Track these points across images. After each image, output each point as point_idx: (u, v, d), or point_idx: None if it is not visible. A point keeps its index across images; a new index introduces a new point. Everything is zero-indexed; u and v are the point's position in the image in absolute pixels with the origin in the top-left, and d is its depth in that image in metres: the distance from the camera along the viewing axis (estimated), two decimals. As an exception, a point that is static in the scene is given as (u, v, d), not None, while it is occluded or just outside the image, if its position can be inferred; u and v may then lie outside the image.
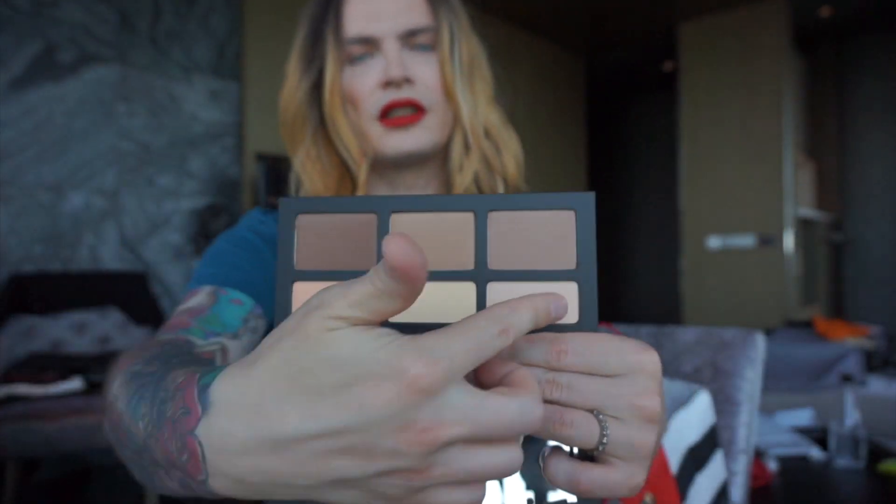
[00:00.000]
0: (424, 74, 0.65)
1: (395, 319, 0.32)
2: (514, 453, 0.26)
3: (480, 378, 0.29)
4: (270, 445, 0.25)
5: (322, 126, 0.69)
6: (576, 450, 0.32)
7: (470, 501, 0.26)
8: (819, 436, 1.69)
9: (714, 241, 4.51)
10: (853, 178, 5.07)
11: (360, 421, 0.24)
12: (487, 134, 0.70)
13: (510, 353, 0.31)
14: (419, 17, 0.65)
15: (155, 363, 0.38)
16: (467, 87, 0.67)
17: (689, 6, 4.45)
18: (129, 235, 2.99)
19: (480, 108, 0.69)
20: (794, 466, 1.50)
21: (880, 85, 4.91)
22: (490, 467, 0.25)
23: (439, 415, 0.24)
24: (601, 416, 0.29)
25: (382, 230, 0.34)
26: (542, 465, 0.31)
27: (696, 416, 0.77)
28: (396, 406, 0.23)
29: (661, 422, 0.31)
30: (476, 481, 0.26)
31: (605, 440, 0.29)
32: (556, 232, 0.33)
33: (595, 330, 0.32)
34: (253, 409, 0.25)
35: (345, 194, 0.69)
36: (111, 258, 2.93)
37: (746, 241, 4.37)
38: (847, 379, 1.64)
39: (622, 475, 0.30)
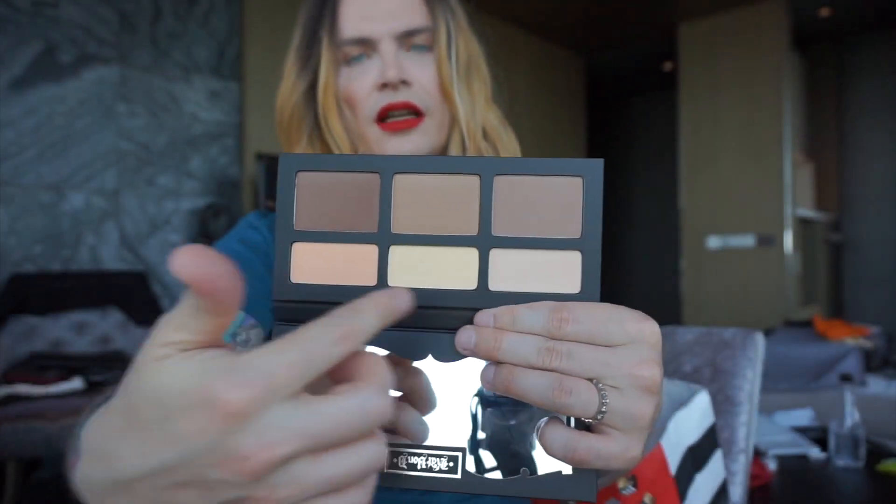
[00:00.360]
0: (421, 76, 0.64)
1: (400, 284, 0.32)
2: (372, 448, 0.24)
3: (330, 374, 0.27)
4: (117, 487, 0.24)
5: (318, 128, 0.69)
6: (573, 420, 0.32)
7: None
8: (818, 436, 1.69)
9: (714, 241, 4.51)
10: (852, 177, 5.07)
11: (182, 455, 0.22)
12: (486, 135, 0.69)
13: (509, 322, 0.30)
14: (416, 17, 0.64)
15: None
16: (465, 88, 0.67)
17: (689, 6, 4.45)
18: (130, 235, 2.99)
19: (478, 109, 0.68)
20: (793, 466, 1.50)
21: (879, 85, 4.91)
22: (347, 470, 0.24)
23: (261, 437, 0.21)
24: (600, 386, 0.29)
25: (385, 190, 0.33)
26: (537, 435, 0.31)
27: (695, 416, 0.77)
28: (211, 436, 0.21)
29: (661, 394, 0.31)
30: (341, 487, 0.24)
31: (603, 409, 0.29)
32: (562, 199, 0.32)
33: (597, 300, 0.31)
34: (100, 452, 0.25)
35: None
36: (111, 258, 2.93)
37: (746, 241, 4.37)
38: (846, 379, 1.64)
39: (619, 446, 0.30)
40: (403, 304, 0.27)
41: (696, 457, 0.75)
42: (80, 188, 2.84)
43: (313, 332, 0.23)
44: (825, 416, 1.90)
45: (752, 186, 4.35)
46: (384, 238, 0.33)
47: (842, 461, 1.49)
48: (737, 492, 0.84)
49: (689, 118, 4.66)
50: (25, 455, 1.90)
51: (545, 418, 0.31)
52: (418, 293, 0.32)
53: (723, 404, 0.87)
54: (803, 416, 1.94)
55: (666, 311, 5.55)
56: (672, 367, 0.94)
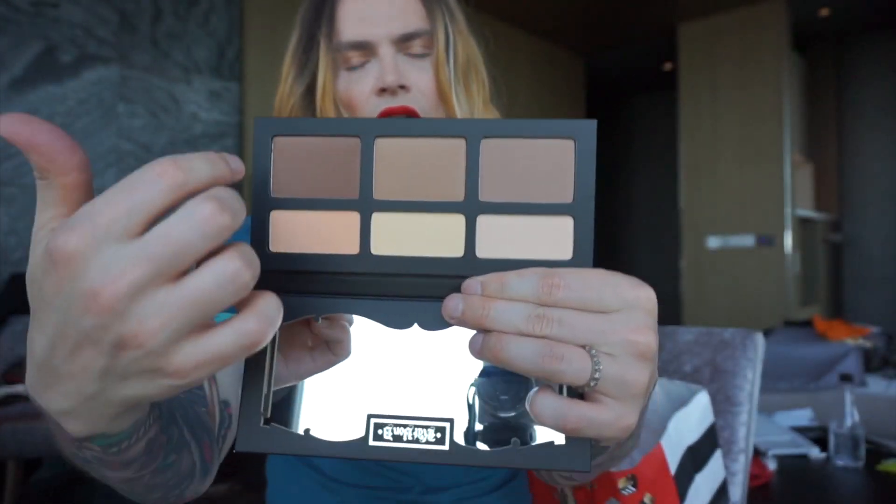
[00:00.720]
0: (419, 80, 0.64)
1: (384, 252, 0.31)
2: (226, 263, 0.23)
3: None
4: (43, 376, 0.25)
5: None
6: (565, 389, 0.31)
7: (239, 338, 0.24)
8: (818, 436, 1.69)
9: (714, 241, 4.51)
10: (852, 177, 5.07)
11: (57, 316, 0.23)
12: None
13: (498, 290, 0.29)
14: (414, 20, 0.64)
15: None
16: (463, 91, 0.67)
17: (689, 6, 4.45)
18: (130, 235, 2.99)
19: (476, 112, 0.69)
20: (793, 466, 1.50)
21: (879, 85, 4.91)
22: (208, 287, 0.23)
23: (105, 272, 0.22)
24: (593, 353, 0.28)
25: (367, 155, 0.32)
26: (528, 404, 0.30)
27: (695, 416, 0.77)
28: (63, 286, 0.23)
29: (656, 361, 0.30)
30: (213, 310, 0.23)
31: (597, 376, 0.28)
32: (553, 162, 0.31)
33: (590, 267, 0.31)
34: (28, 352, 0.26)
35: None
36: (111, 258, 2.93)
37: (746, 241, 4.37)
38: (846, 379, 1.64)
39: (613, 414, 0.29)
40: (236, 167, 0.26)
41: (696, 457, 0.75)
42: (81, 188, 2.85)
43: (136, 172, 0.23)
44: (825, 416, 1.90)
45: (752, 186, 4.35)
46: (366, 204, 0.32)
47: (842, 461, 1.49)
48: (737, 492, 0.84)
49: (689, 118, 4.66)
50: (25, 455, 1.90)
51: (535, 388, 0.30)
52: (403, 261, 0.32)
53: (723, 404, 0.87)
54: (803, 416, 1.94)
55: (666, 311, 5.53)
56: (672, 367, 0.94)
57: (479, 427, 0.35)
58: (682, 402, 0.77)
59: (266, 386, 0.32)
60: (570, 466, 0.30)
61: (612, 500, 0.65)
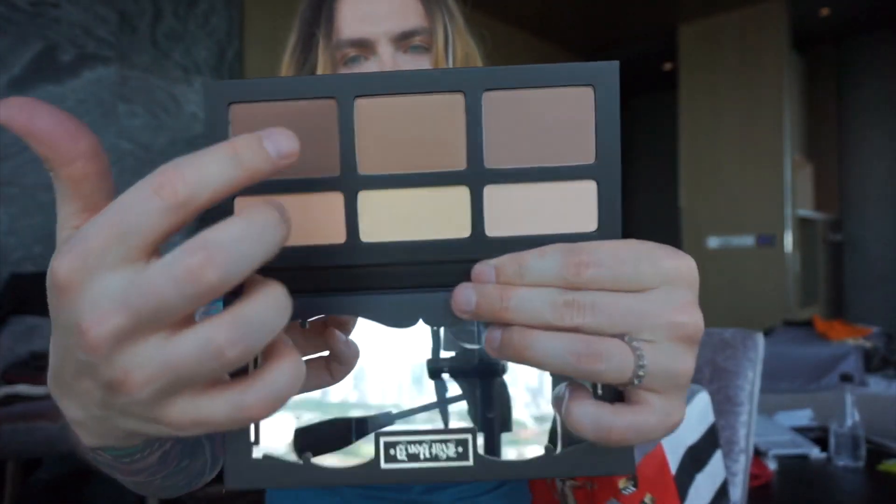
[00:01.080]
0: None
1: (376, 239, 0.26)
2: (213, 333, 0.19)
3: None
4: (59, 386, 0.24)
5: None
6: (599, 385, 0.26)
7: (235, 413, 0.21)
8: (819, 436, 1.69)
9: (714, 241, 4.51)
10: (852, 178, 5.07)
11: (61, 334, 0.22)
12: None
13: (516, 274, 0.25)
14: (413, 18, 0.64)
15: None
16: None
17: (689, 7, 4.45)
18: (129, 235, 2.99)
19: None
20: (793, 466, 1.50)
21: (879, 85, 4.91)
22: (189, 358, 0.19)
23: (93, 309, 0.19)
24: (634, 343, 0.24)
25: (345, 121, 0.26)
26: (563, 411, 0.25)
27: (695, 416, 0.77)
28: (60, 309, 0.20)
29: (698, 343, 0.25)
30: (189, 378, 0.20)
31: (641, 373, 0.24)
32: (569, 116, 0.26)
33: (619, 238, 0.26)
34: (50, 347, 0.25)
35: None
36: (111, 258, 2.93)
37: (746, 241, 4.37)
38: (846, 379, 1.64)
39: (659, 415, 0.25)
40: (281, 149, 0.20)
41: (696, 457, 0.75)
42: (80, 188, 2.85)
43: (129, 190, 0.20)
44: (825, 416, 1.90)
45: (752, 186, 4.35)
46: (350, 182, 0.26)
47: (842, 461, 1.49)
48: (737, 492, 0.84)
49: (689, 118, 4.66)
50: (25, 455, 1.90)
51: (563, 385, 0.26)
52: (399, 248, 0.27)
53: (723, 404, 0.87)
54: (803, 417, 1.94)
55: (666, 311, 5.55)
56: (672, 367, 0.94)
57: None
58: (682, 402, 0.77)
59: None
60: (611, 471, 0.27)
61: (613, 501, 0.65)
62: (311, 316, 0.27)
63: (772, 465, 1.47)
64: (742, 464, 0.85)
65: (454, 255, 0.27)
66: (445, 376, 0.31)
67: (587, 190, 0.26)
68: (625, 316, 0.24)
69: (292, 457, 0.28)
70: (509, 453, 0.29)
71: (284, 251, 0.25)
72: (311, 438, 0.30)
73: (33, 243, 2.71)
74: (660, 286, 0.24)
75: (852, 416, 1.49)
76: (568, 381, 0.27)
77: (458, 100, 0.26)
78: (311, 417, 0.31)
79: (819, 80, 5.11)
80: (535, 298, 0.24)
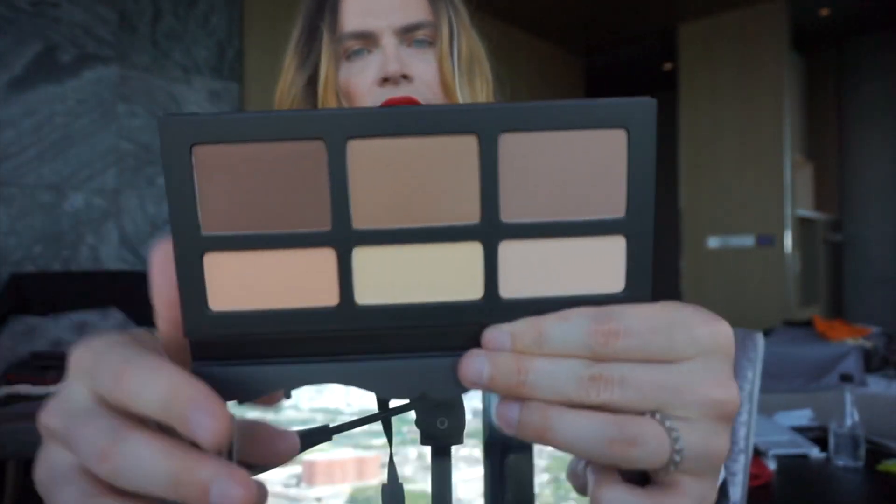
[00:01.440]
0: (423, 71, 0.63)
1: (374, 302, 0.23)
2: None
3: None
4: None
5: None
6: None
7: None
8: (818, 436, 1.69)
9: (714, 241, 4.51)
10: (852, 178, 5.07)
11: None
12: None
13: (535, 342, 0.22)
14: (418, 12, 0.64)
15: None
16: (466, 85, 0.66)
17: (689, 6, 4.45)
18: (130, 236, 2.99)
19: None
20: (793, 466, 1.51)
21: (879, 85, 4.92)
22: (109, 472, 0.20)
23: (56, 471, 0.22)
24: (668, 423, 0.21)
25: (337, 166, 0.22)
26: (589, 493, 0.23)
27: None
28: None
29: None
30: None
31: (677, 458, 0.21)
32: (597, 162, 0.23)
33: (648, 301, 0.23)
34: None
35: None
36: (111, 258, 2.93)
37: (746, 241, 4.37)
38: (846, 379, 1.64)
39: (694, 499, 0.22)
40: (212, 429, 0.19)
41: (696, 457, 0.75)
42: (80, 188, 2.84)
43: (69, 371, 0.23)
44: (825, 416, 1.90)
45: (752, 186, 4.35)
46: (342, 237, 0.23)
47: (842, 461, 1.49)
48: (737, 492, 0.84)
49: (689, 118, 4.66)
50: (25, 455, 1.90)
51: (582, 465, 0.24)
52: (399, 312, 0.23)
53: (723, 404, 0.87)
54: (803, 416, 1.94)
55: (666, 311, 5.54)
56: (672, 366, 0.94)
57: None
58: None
59: None
60: None
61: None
62: (296, 386, 0.24)
63: (771, 465, 1.47)
64: (742, 463, 0.85)
65: (464, 318, 0.23)
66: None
67: (615, 246, 0.23)
68: (657, 392, 0.21)
69: None
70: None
71: (266, 315, 0.23)
72: None
73: (33, 243, 2.71)
74: (695, 357, 0.22)
75: (852, 416, 1.49)
76: (593, 467, 0.24)
77: (470, 143, 0.22)
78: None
79: (819, 81, 5.12)
80: (558, 372, 0.22)
